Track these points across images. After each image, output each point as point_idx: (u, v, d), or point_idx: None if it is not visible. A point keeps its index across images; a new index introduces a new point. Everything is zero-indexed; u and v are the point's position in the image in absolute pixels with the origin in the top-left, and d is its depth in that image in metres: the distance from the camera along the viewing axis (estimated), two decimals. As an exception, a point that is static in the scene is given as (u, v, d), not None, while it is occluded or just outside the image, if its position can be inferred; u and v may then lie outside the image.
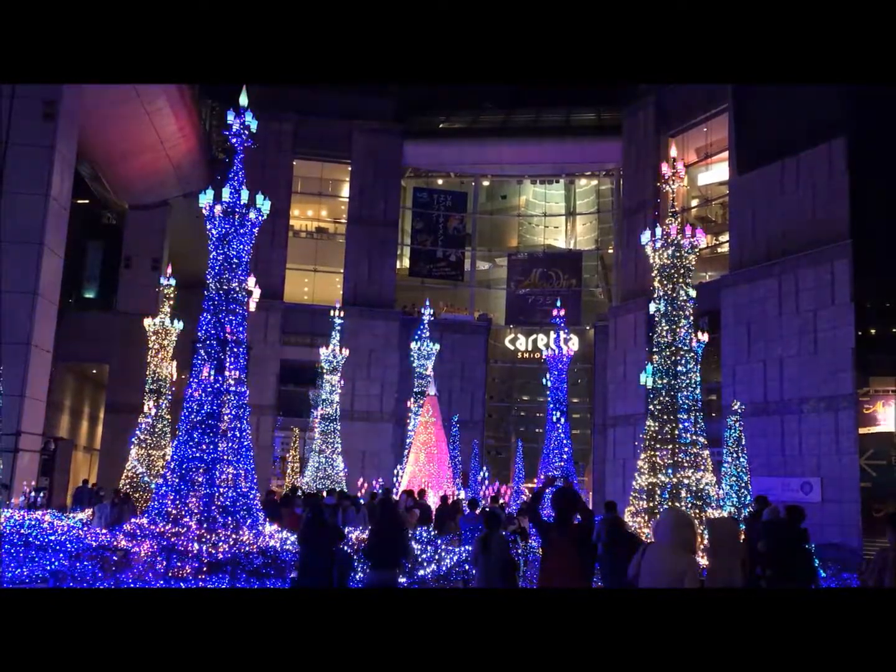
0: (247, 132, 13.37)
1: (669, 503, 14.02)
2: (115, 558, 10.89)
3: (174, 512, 12.11)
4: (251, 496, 12.82)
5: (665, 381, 14.87)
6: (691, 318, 15.32)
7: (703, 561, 10.23)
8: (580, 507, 6.72)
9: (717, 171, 31.00)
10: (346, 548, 9.99)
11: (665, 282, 15.08)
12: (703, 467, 14.55)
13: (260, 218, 13.39)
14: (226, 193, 13.10)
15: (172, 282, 23.49)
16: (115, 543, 11.53)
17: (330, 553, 8.80)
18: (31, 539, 11.89)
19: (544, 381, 20.83)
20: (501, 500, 18.15)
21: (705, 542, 10.45)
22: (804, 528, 9.40)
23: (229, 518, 12.22)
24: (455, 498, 19.05)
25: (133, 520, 13.38)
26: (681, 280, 15.03)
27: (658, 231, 15.24)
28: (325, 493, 15.18)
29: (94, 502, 19.69)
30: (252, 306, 14.27)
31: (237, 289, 13.16)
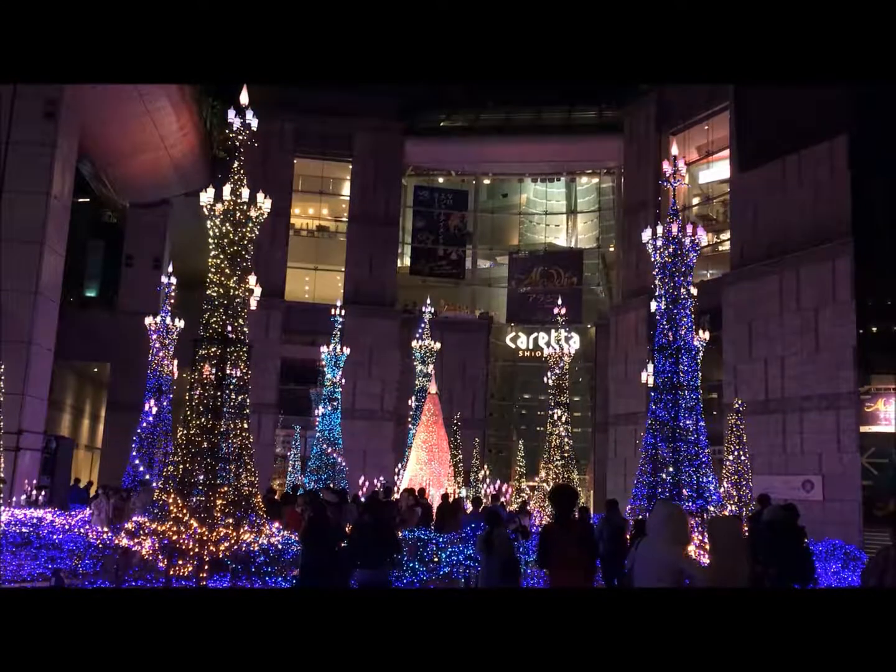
0: (247, 131, 13.36)
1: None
2: (116, 557, 10.91)
3: (175, 510, 12.11)
4: (252, 495, 12.83)
5: (666, 379, 14.87)
6: (692, 316, 15.31)
7: (704, 560, 10.24)
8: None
9: (719, 169, 31.01)
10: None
11: (666, 280, 15.07)
12: (704, 466, 14.55)
13: (261, 216, 13.39)
14: (227, 192, 13.10)
15: (173, 280, 23.48)
16: (115, 542, 11.55)
17: (332, 552, 8.78)
18: (31, 537, 11.92)
19: (545, 379, 20.84)
20: (502, 499, 18.15)
21: (705, 541, 10.45)
22: (802, 526, 9.43)
23: (230, 517, 12.22)
24: (456, 496, 19.06)
25: (134, 518, 13.40)
26: (682, 278, 15.03)
27: (659, 229, 15.22)
28: (326, 492, 15.19)
29: (86, 501, 19.75)
30: (253, 305, 14.27)
31: (238, 287, 13.16)
